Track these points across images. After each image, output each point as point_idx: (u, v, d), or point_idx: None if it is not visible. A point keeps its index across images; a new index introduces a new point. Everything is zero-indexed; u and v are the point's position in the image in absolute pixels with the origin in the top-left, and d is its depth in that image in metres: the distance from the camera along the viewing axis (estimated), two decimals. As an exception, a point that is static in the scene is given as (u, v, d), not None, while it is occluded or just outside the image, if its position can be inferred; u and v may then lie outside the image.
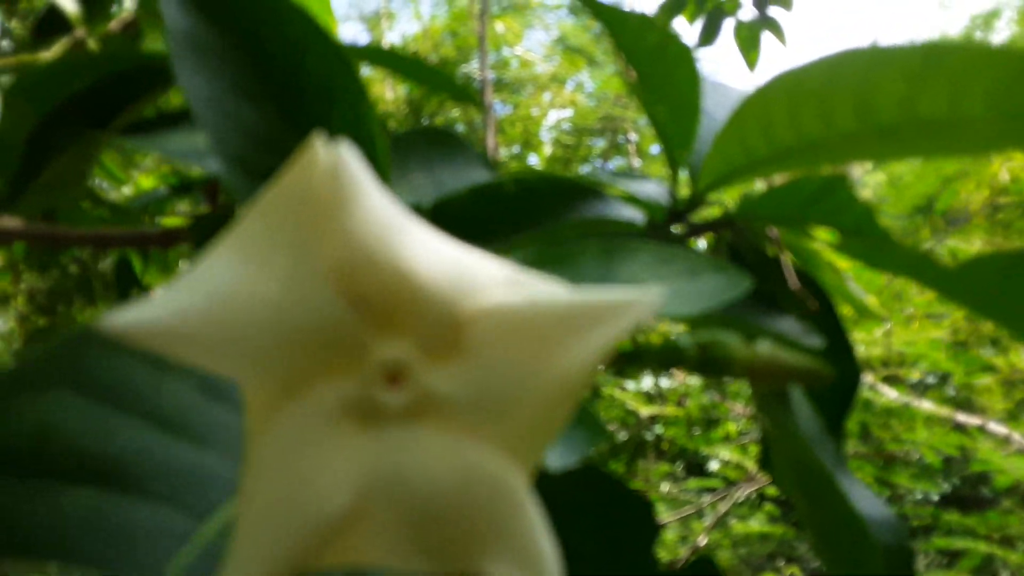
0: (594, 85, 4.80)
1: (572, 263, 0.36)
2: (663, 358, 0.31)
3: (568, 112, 4.55)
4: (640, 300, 0.22)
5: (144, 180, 1.33)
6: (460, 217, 0.47)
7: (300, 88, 0.33)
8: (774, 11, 2.49)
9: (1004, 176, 2.72)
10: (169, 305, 0.19)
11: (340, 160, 0.21)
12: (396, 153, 0.41)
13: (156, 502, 0.22)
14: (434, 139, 0.42)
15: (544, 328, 0.22)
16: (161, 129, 0.41)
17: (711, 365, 0.31)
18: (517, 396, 0.22)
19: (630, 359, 0.33)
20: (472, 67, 4.15)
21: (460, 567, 0.21)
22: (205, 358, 0.20)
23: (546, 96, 4.50)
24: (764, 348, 0.32)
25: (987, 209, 3.22)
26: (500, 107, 4.51)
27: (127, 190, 1.29)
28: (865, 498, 0.45)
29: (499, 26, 4.24)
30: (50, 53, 0.65)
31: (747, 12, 2.50)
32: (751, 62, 2.53)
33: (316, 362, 0.21)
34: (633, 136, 4.52)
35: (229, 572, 0.20)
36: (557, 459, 0.33)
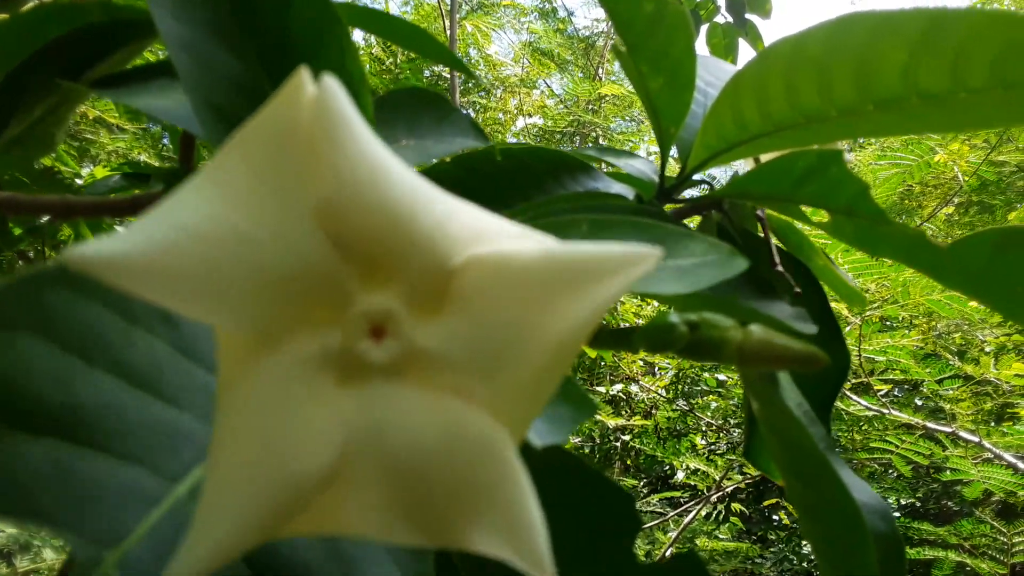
0: (563, 90, 4.79)
1: (561, 237, 0.35)
2: (653, 338, 0.30)
3: (537, 118, 4.52)
4: (639, 255, 0.20)
5: (99, 171, 1.31)
6: (445, 188, 0.45)
7: (284, 36, 0.32)
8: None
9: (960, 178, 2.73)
10: (138, 238, 0.17)
11: (328, 94, 0.19)
12: (381, 114, 0.39)
13: (125, 460, 0.21)
14: (422, 100, 0.40)
15: (538, 281, 0.21)
16: (133, 84, 0.39)
17: (702, 347, 0.30)
18: (508, 354, 0.21)
19: (619, 339, 0.31)
20: (439, 67, 4.09)
21: (444, 538, 0.20)
22: (176, 298, 0.18)
23: (514, 101, 4.47)
24: (757, 330, 0.30)
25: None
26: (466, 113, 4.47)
27: (80, 181, 1.27)
28: (855, 483, 0.44)
29: (468, 26, 4.19)
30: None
31: (723, 20, 2.29)
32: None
33: (296, 309, 0.20)
34: (603, 142, 4.52)
35: (196, 533, 0.18)
36: (542, 436, 0.31)
